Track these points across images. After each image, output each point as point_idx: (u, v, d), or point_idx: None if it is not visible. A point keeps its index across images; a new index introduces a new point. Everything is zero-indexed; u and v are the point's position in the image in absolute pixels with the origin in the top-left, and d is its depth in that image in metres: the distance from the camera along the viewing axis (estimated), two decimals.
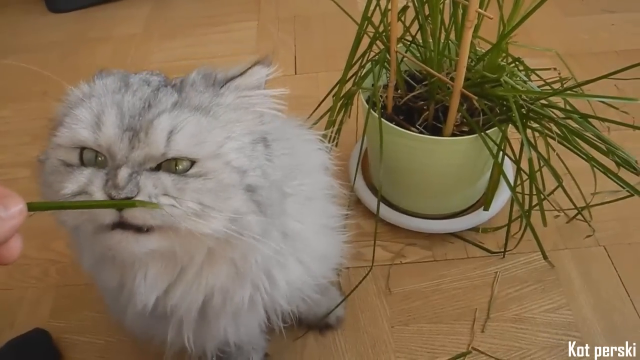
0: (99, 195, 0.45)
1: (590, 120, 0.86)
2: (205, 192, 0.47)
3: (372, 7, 0.92)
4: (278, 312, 0.69)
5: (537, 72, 0.96)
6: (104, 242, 0.47)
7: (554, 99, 0.86)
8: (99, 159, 0.48)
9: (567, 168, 0.98)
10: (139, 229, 0.47)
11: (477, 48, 0.97)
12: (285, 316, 0.72)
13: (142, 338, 0.79)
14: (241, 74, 0.54)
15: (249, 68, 0.54)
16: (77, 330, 1.03)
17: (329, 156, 0.71)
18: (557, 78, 0.93)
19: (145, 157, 0.47)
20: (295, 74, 1.50)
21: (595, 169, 0.88)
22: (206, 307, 0.59)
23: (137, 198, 0.44)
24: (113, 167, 0.46)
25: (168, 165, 0.47)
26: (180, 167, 0.47)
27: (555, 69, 0.96)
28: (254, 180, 0.50)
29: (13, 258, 0.38)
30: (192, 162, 0.48)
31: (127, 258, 0.50)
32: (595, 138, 0.84)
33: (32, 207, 0.38)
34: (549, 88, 0.92)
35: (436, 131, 0.95)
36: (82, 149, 0.48)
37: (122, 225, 0.46)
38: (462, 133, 0.94)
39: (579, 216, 1.06)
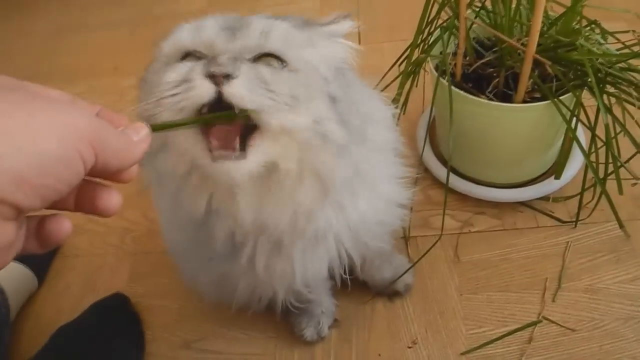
0: (199, 78, 0.47)
1: None
2: (296, 86, 0.50)
3: None
4: (344, 254, 0.70)
5: (615, 35, 0.92)
6: (208, 171, 0.50)
7: (633, 62, 0.83)
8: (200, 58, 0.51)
9: None
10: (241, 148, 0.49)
11: (550, 12, 0.94)
12: (351, 262, 0.73)
13: (213, 296, 0.83)
14: (333, 23, 0.58)
15: (340, 19, 0.59)
16: (153, 295, 1.08)
17: (394, 113, 0.73)
18: (636, 41, 0.90)
19: (243, 48, 0.50)
20: (359, 44, 1.49)
21: None
22: (282, 236, 0.61)
23: (239, 77, 0.46)
24: (213, 56, 0.49)
25: (263, 62, 0.51)
26: (273, 65, 0.51)
27: (634, 31, 0.92)
28: (336, 91, 0.54)
29: (130, 178, 0.40)
30: (284, 64, 0.51)
31: (231, 181, 0.51)
32: None
33: (154, 128, 0.41)
34: (628, 51, 0.88)
35: (506, 99, 0.94)
36: (184, 56, 0.52)
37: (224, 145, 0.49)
38: (534, 100, 0.91)
39: None
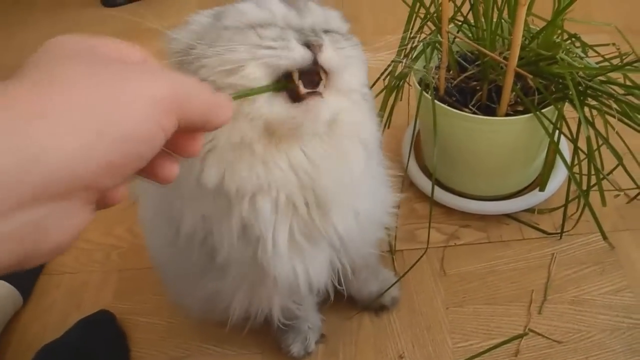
0: (295, 43, 0.50)
1: None
2: (356, 54, 0.57)
3: None
4: (339, 260, 0.70)
5: (595, 48, 0.93)
6: (288, 121, 0.52)
7: (613, 75, 0.84)
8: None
9: (627, 146, 0.95)
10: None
11: (531, 26, 0.95)
12: (343, 270, 0.73)
13: (201, 313, 0.83)
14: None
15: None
16: (139, 312, 1.07)
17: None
18: (617, 54, 0.91)
19: (314, 23, 0.54)
20: None
21: None
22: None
23: (326, 47, 0.51)
24: (298, 28, 0.53)
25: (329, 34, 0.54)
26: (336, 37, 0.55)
27: (614, 44, 0.94)
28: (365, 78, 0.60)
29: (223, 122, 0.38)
30: (344, 36, 0.58)
31: (316, 127, 0.54)
32: None
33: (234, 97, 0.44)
34: (608, 64, 0.89)
35: (490, 112, 0.94)
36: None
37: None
38: (516, 113, 0.92)
39: None
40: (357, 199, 0.64)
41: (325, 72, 0.52)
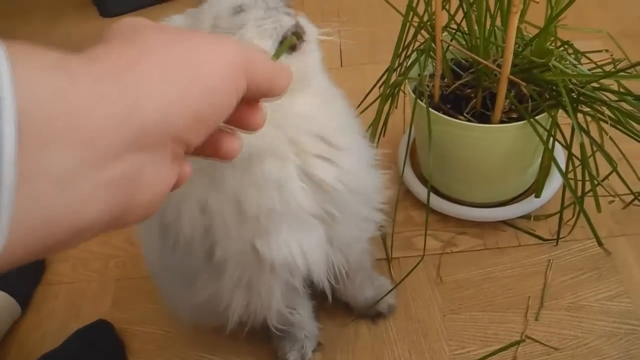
0: (283, 13, 0.60)
1: None
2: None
3: None
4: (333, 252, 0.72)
5: (588, 54, 0.94)
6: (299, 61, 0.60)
7: (606, 81, 0.84)
8: None
9: (621, 152, 0.95)
10: None
11: (524, 33, 0.96)
12: (338, 268, 0.75)
13: (198, 320, 0.83)
14: None
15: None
16: (137, 321, 1.07)
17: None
18: (610, 60, 0.91)
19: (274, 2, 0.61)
20: (341, 66, 1.51)
21: None
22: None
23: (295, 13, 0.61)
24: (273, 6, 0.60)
25: None
26: None
27: (607, 50, 0.94)
28: None
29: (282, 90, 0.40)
30: None
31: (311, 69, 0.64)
32: None
33: None
34: (601, 71, 0.90)
35: (484, 119, 0.95)
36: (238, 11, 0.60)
37: None
38: (511, 120, 0.93)
39: (636, 202, 1.03)
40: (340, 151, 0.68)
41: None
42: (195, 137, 0.32)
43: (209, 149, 0.38)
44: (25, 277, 1.15)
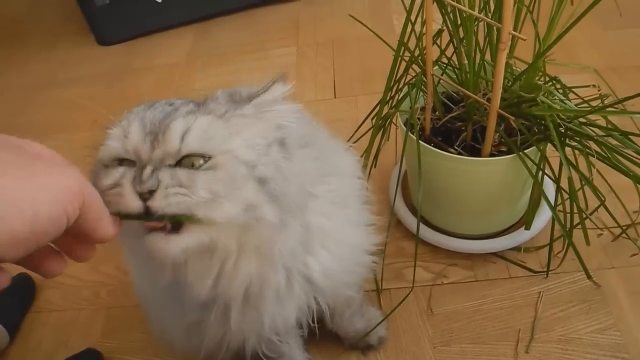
0: (128, 186, 0.51)
1: (631, 137, 0.85)
2: (216, 182, 0.52)
3: (407, 33, 0.93)
4: (312, 302, 0.72)
5: (576, 89, 0.95)
6: (144, 246, 0.53)
7: (594, 116, 0.86)
8: (130, 164, 0.54)
9: (609, 185, 0.97)
10: (172, 230, 0.52)
11: (514, 67, 0.97)
12: (319, 310, 0.74)
13: (183, 346, 0.83)
14: (263, 92, 0.59)
15: (269, 86, 0.59)
16: (127, 351, 1.06)
17: (357, 160, 0.77)
18: (597, 95, 0.93)
19: (164, 155, 0.53)
20: (335, 97, 1.53)
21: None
22: (248, 294, 0.63)
23: (157, 190, 0.50)
24: (140, 167, 0.52)
25: (186, 162, 0.53)
26: (196, 163, 0.53)
27: (594, 85, 0.96)
28: (264, 173, 0.55)
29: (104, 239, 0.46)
30: (206, 159, 0.53)
31: (165, 259, 0.54)
32: (637, 156, 0.83)
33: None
34: (587, 106, 0.91)
35: (475, 151, 0.96)
36: (119, 161, 0.54)
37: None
38: (501, 152, 0.94)
39: (625, 234, 1.04)
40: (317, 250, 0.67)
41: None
42: (12, 253, 0.37)
43: (31, 263, 0.43)
44: (14, 305, 1.15)
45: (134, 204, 0.50)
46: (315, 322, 0.76)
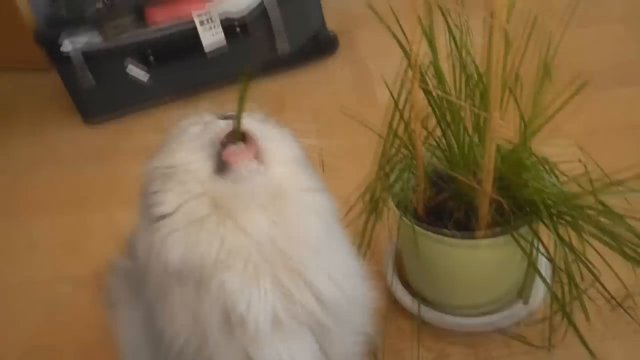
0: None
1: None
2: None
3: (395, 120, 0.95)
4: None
5: (562, 163, 0.96)
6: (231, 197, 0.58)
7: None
8: None
9: (604, 260, 0.96)
10: None
11: (502, 146, 0.99)
12: None
13: None
14: None
15: None
16: None
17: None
18: (584, 172, 0.94)
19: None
20: (323, 171, 1.52)
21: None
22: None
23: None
24: None
25: None
26: None
27: (580, 160, 0.97)
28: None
29: None
30: None
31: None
32: (635, 241, 0.84)
33: None
34: (575, 184, 0.92)
35: (469, 229, 0.96)
36: None
37: None
38: (495, 232, 0.94)
39: (625, 303, 1.04)
40: (326, 264, 0.66)
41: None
42: None
43: None
44: None
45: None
46: None
